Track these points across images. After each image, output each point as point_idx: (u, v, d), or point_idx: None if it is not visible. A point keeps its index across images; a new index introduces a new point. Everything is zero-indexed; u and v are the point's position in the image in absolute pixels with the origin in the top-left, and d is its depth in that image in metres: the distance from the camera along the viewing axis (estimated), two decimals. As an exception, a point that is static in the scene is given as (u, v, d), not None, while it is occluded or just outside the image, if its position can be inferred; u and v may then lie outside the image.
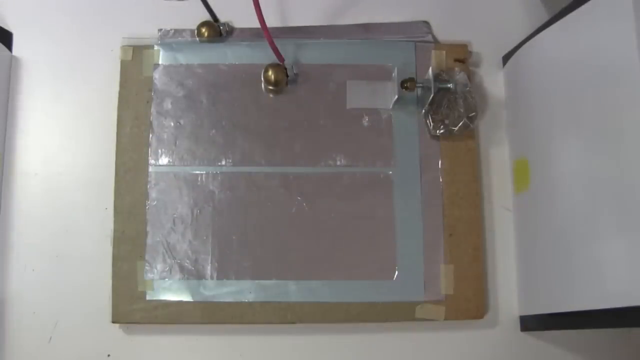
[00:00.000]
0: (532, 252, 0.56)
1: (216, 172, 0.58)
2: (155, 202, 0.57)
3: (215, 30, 0.61)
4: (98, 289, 0.56)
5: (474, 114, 0.57)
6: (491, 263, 0.59)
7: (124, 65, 0.60)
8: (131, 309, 0.55)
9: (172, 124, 0.59)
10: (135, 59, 0.60)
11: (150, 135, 0.58)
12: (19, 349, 0.56)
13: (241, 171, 0.58)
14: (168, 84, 0.59)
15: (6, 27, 0.61)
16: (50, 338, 0.56)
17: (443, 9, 0.63)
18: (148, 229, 0.56)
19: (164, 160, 0.58)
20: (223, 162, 0.58)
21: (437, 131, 0.58)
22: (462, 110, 0.57)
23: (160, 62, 0.60)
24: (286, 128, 0.59)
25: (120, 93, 0.59)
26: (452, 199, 0.58)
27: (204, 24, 0.61)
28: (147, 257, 0.56)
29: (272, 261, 0.56)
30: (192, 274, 0.56)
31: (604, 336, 0.58)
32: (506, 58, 0.61)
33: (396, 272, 0.56)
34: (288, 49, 0.59)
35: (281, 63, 0.58)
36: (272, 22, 0.60)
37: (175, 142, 0.58)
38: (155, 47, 0.60)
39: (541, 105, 0.54)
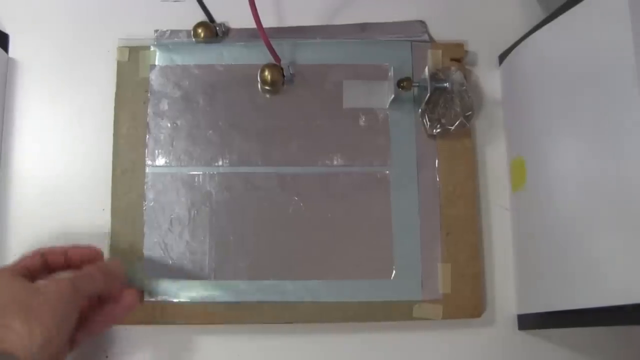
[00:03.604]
0: (530, 251, 0.56)
1: (213, 173, 0.58)
2: (153, 203, 0.57)
3: (212, 31, 0.61)
4: (96, 290, 0.56)
5: (470, 113, 0.57)
6: (488, 262, 0.59)
7: (121, 66, 0.59)
8: (129, 309, 0.55)
9: (169, 124, 0.59)
10: (131, 60, 0.60)
11: (147, 136, 0.58)
12: (17, 350, 0.55)
13: (238, 171, 0.58)
14: (164, 85, 0.59)
15: (2, 29, 0.61)
16: (49, 339, 0.56)
17: (439, 8, 0.63)
18: (145, 229, 0.56)
19: (161, 161, 0.58)
20: (220, 163, 0.58)
21: (434, 130, 0.58)
22: (458, 109, 0.57)
23: (156, 63, 0.60)
24: (283, 128, 0.59)
25: (116, 94, 0.59)
26: (449, 198, 0.58)
27: (200, 24, 0.61)
28: (144, 257, 0.56)
29: (270, 261, 0.56)
30: (190, 275, 0.56)
31: (602, 334, 0.58)
32: (502, 57, 0.61)
33: (393, 272, 0.56)
34: (284, 49, 0.59)
35: (277, 63, 0.58)
36: (268, 22, 0.60)
37: (172, 143, 0.58)
38: (152, 48, 0.60)
39: (537, 104, 0.54)
